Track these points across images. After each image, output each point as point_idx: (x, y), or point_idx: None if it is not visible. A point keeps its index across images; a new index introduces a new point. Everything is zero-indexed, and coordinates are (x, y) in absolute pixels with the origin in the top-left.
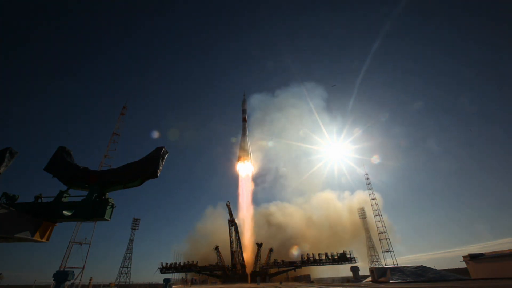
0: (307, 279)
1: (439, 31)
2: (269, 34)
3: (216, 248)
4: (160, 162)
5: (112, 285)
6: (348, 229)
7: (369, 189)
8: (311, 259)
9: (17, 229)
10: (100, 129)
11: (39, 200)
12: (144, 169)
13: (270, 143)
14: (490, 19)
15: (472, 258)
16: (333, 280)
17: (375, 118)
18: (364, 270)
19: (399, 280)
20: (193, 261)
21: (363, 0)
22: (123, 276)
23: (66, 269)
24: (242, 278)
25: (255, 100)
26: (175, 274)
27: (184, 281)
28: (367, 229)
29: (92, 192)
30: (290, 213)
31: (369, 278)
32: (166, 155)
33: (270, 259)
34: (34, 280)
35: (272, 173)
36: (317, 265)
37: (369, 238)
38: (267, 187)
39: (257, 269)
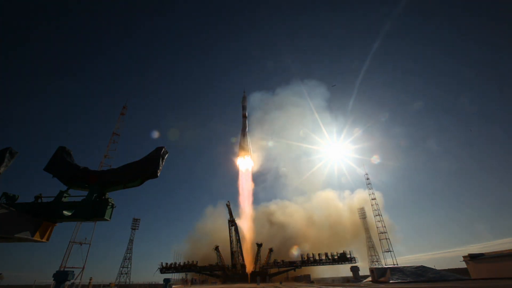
0: (307, 279)
1: (439, 31)
2: (269, 34)
3: (216, 248)
4: (160, 162)
5: (112, 285)
6: (349, 229)
7: (369, 189)
8: (311, 259)
9: (17, 229)
10: (100, 129)
11: (39, 200)
12: (144, 169)
13: (270, 143)
14: (490, 19)
15: (472, 258)
16: (333, 280)
17: (375, 118)
18: (364, 270)
19: (399, 280)
20: (193, 261)
21: (363, 0)
22: (123, 276)
23: (66, 269)
24: (242, 278)
25: (255, 99)
26: (175, 274)
27: (184, 281)
28: (367, 229)
29: (92, 192)
30: (291, 212)
31: (369, 278)
32: (166, 155)
33: (270, 259)
34: (34, 280)
35: (272, 172)
36: (317, 265)
37: (369, 238)
38: (267, 186)
39: (257, 269)
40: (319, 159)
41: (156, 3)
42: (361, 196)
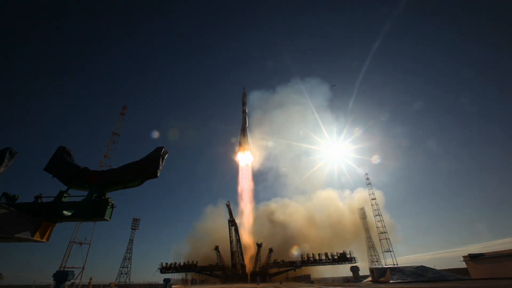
0: (307, 279)
1: (439, 31)
2: (269, 34)
3: (216, 248)
4: (160, 162)
5: (112, 285)
6: (349, 228)
7: (369, 189)
8: (311, 259)
9: (17, 229)
10: (100, 129)
11: (39, 200)
12: (144, 169)
13: (270, 143)
14: (490, 19)
15: (472, 258)
16: (334, 280)
17: (375, 118)
18: (364, 270)
19: (399, 280)
20: (193, 261)
21: (363, 0)
22: (123, 276)
23: (66, 269)
24: (242, 278)
25: (255, 98)
26: (175, 274)
27: (184, 281)
28: (367, 229)
29: (92, 192)
30: (291, 212)
31: (369, 278)
32: (166, 155)
33: (270, 259)
34: (34, 280)
35: (272, 172)
36: (317, 265)
37: (369, 238)
38: (268, 185)
39: (257, 269)
40: (320, 159)
41: (156, 3)
42: (361, 196)
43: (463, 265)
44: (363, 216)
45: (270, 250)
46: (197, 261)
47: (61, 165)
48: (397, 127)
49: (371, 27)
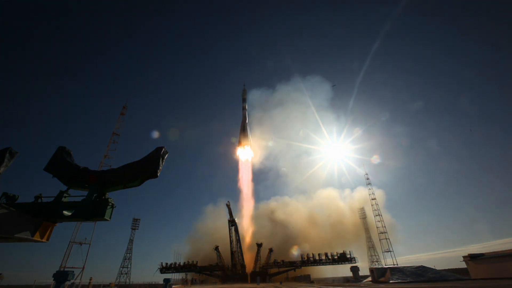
0: (307, 279)
1: (439, 31)
2: (269, 34)
3: (216, 248)
4: (160, 162)
5: (112, 285)
6: (349, 228)
7: (369, 189)
8: (311, 259)
9: (17, 229)
10: (100, 129)
11: (39, 200)
12: (144, 169)
13: (270, 143)
14: (490, 19)
15: (472, 258)
16: (334, 280)
17: (375, 118)
18: (364, 270)
19: (399, 280)
20: (193, 261)
21: (363, 0)
22: (123, 276)
23: (66, 269)
24: (242, 278)
25: (255, 97)
26: (175, 274)
27: (184, 281)
28: (367, 229)
29: (92, 192)
30: (291, 211)
31: (369, 278)
32: (166, 155)
33: (270, 259)
34: (34, 280)
35: (272, 172)
36: (317, 265)
37: (369, 238)
38: (269, 185)
39: (257, 269)
40: (320, 159)
41: (156, 3)
42: (361, 195)
43: (463, 265)
44: (363, 216)
45: (270, 250)
46: (197, 261)
47: (61, 165)
48: (397, 127)
49: (371, 27)
